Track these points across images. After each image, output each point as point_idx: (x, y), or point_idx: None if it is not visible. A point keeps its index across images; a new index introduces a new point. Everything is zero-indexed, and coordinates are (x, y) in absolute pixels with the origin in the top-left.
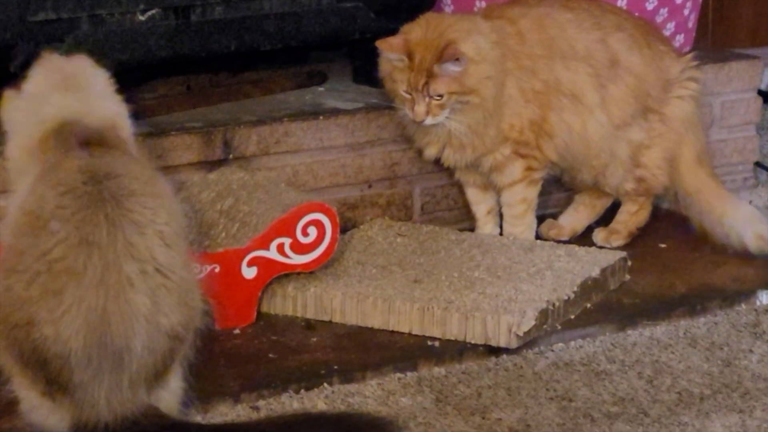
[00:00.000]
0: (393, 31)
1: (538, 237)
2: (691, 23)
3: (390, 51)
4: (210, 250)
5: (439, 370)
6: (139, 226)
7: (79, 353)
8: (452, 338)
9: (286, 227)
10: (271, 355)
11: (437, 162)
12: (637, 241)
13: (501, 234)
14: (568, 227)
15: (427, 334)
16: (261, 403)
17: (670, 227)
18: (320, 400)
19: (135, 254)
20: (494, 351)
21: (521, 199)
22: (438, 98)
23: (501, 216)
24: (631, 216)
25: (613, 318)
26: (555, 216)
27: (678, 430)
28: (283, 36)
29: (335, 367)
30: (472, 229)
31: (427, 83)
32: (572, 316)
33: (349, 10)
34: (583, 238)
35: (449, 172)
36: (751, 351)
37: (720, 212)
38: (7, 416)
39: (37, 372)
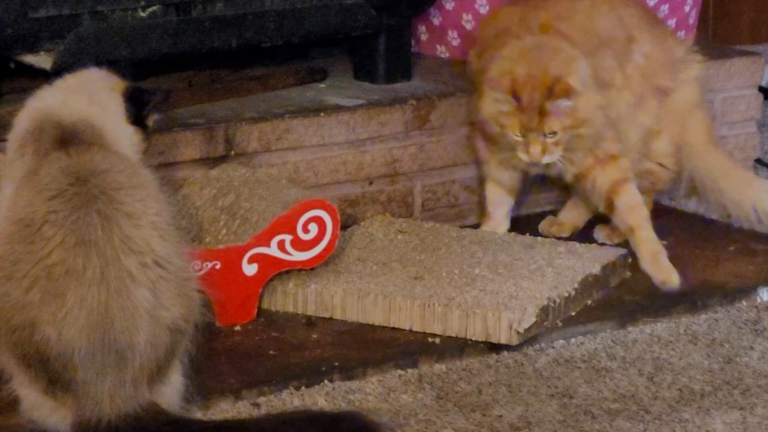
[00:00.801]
0: (393, 28)
1: (538, 234)
2: (692, 19)
3: (497, 91)
4: (211, 247)
5: (439, 367)
6: (133, 218)
7: (82, 352)
8: (453, 335)
9: (287, 224)
10: (271, 352)
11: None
12: None
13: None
14: (568, 223)
15: (427, 331)
16: (261, 399)
17: (670, 224)
18: (321, 397)
19: (133, 247)
20: (495, 348)
21: (638, 196)
22: (552, 135)
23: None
24: None
25: (614, 315)
26: (544, 214)
27: (679, 427)
28: (284, 32)
29: (336, 363)
30: (473, 226)
31: (540, 122)
32: (573, 313)
33: (350, 6)
34: (584, 235)
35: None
36: (751, 348)
37: (749, 194)
38: (8, 413)
39: (39, 371)
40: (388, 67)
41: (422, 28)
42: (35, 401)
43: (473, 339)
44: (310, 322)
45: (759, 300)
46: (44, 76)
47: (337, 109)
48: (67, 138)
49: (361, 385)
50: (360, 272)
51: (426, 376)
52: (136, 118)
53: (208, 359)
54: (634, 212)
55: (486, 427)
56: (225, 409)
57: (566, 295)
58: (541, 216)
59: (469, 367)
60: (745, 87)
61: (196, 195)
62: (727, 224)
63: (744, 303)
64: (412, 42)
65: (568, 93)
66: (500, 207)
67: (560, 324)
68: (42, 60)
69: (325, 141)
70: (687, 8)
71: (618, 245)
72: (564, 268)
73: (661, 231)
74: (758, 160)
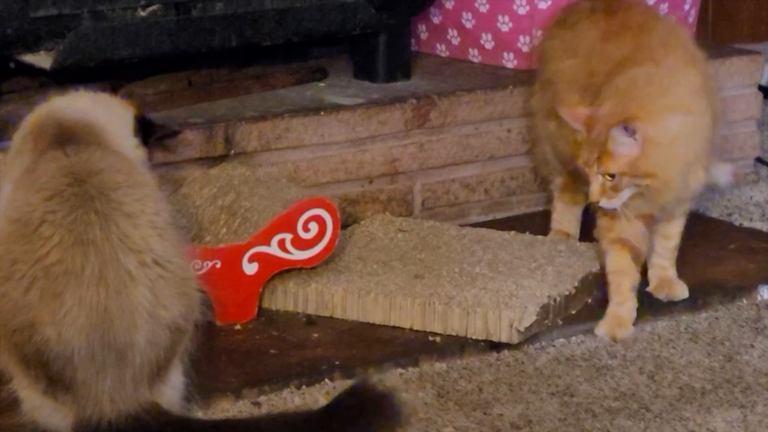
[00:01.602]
0: (393, 27)
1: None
2: (691, 18)
3: (572, 122)
4: (211, 246)
5: (440, 366)
6: (132, 217)
7: (82, 352)
8: (453, 334)
9: (287, 223)
10: (272, 351)
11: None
12: None
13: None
14: None
15: (428, 330)
16: (262, 398)
17: None
18: (321, 395)
19: (132, 246)
20: (495, 346)
21: (679, 232)
22: (610, 178)
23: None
24: None
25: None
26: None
27: (679, 425)
28: (283, 31)
29: (336, 362)
30: (472, 225)
31: (598, 160)
32: (573, 312)
33: (350, 5)
34: (584, 235)
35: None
36: (752, 346)
37: None
38: (9, 414)
39: (39, 372)
40: (388, 66)
41: (422, 27)
42: (36, 402)
43: (474, 337)
44: (311, 321)
45: (759, 298)
46: (44, 76)
47: (337, 108)
48: (65, 136)
49: None
50: (360, 271)
51: (427, 375)
52: (142, 140)
53: (209, 358)
54: (671, 240)
55: (487, 426)
56: (226, 408)
57: (567, 293)
58: (542, 215)
59: (470, 365)
60: (745, 86)
61: (196, 194)
62: (728, 222)
63: (744, 301)
64: (412, 41)
65: (630, 133)
66: (626, 276)
67: (561, 322)
68: (42, 59)
69: (325, 140)
70: (686, 7)
71: None
72: (564, 266)
73: None
74: (758, 159)
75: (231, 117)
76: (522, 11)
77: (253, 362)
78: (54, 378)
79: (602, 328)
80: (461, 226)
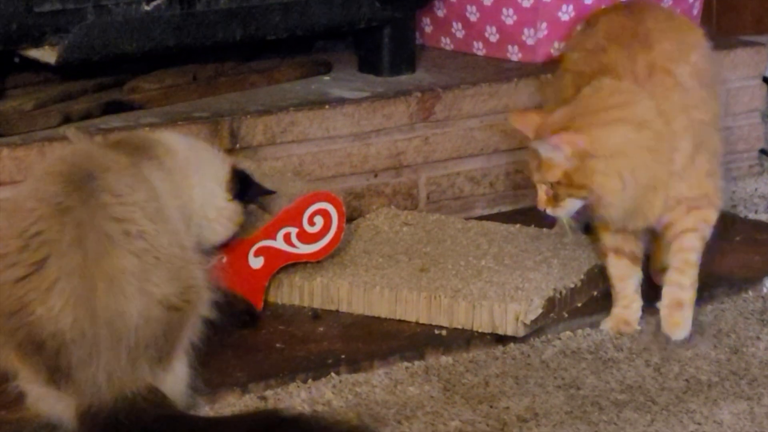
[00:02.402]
0: (398, 21)
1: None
2: (696, 10)
3: (521, 128)
4: None
5: (446, 359)
6: (115, 195)
7: (72, 327)
8: (459, 327)
9: (292, 217)
10: (278, 345)
11: None
12: None
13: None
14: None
15: (434, 323)
16: (268, 393)
17: None
18: (327, 389)
19: (112, 214)
20: (501, 339)
21: (693, 246)
22: (552, 187)
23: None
24: None
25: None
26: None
27: (686, 418)
28: (288, 25)
29: (342, 356)
30: (477, 218)
31: (538, 167)
32: (579, 304)
33: None
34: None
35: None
36: (758, 338)
37: None
38: (14, 408)
39: (37, 360)
40: (392, 59)
41: (426, 20)
42: (39, 393)
43: (480, 331)
44: (317, 315)
45: (765, 290)
46: (49, 71)
47: (342, 101)
48: (123, 140)
49: (367, 377)
50: (366, 265)
51: (433, 368)
52: (238, 193)
53: (215, 353)
54: (686, 253)
55: (493, 419)
56: (232, 403)
57: (572, 286)
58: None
59: (476, 358)
60: (749, 77)
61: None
62: (733, 214)
63: (750, 293)
64: (417, 34)
65: (555, 148)
66: (628, 281)
67: (567, 315)
68: (46, 54)
69: (330, 134)
70: None
71: None
72: (570, 259)
73: None
74: (762, 151)
75: (236, 111)
76: (526, 4)
77: (260, 356)
78: (52, 364)
79: (608, 324)
80: (466, 219)
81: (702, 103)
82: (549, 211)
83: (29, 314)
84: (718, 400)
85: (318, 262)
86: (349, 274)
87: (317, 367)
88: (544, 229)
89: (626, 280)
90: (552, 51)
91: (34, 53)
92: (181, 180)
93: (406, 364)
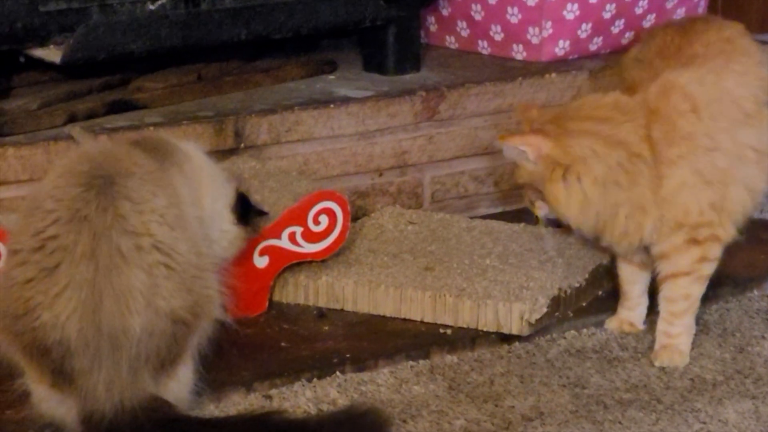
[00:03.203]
0: (402, 20)
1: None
2: (701, 9)
3: (517, 116)
4: None
5: (451, 358)
6: (134, 202)
7: (77, 337)
8: (464, 326)
9: (297, 216)
10: (283, 344)
11: None
12: None
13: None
14: None
15: (439, 322)
16: (273, 392)
17: None
18: (333, 388)
19: (128, 228)
20: (506, 338)
21: (685, 294)
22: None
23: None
24: None
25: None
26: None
27: (691, 417)
28: (293, 24)
29: (347, 355)
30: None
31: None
32: (584, 304)
33: None
34: None
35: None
36: (763, 337)
37: None
38: (19, 407)
39: (42, 363)
40: (397, 58)
41: (431, 19)
42: (44, 394)
43: (485, 330)
44: (322, 313)
45: None
46: (54, 70)
47: (347, 100)
48: (144, 139)
49: (372, 376)
50: (371, 263)
51: (438, 367)
52: (241, 218)
53: (220, 352)
54: (672, 304)
55: (498, 418)
56: (237, 402)
57: (577, 285)
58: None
59: (481, 357)
60: None
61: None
62: None
63: (755, 292)
64: (421, 33)
65: (517, 147)
66: (635, 285)
67: (571, 314)
68: (51, 53)
69: (334, 133)
70: None
71: None
72: (574, 258)
73: None
74: None
75: (241, 110)
76: (531, 3)
77: (265, 355)
78: (56, 369)
79: (612, 324)
80: (471, 218)
81: (723, 133)
82: (530, 208)
83: (35, 318)
84: (723, 399)
85: (323, 261)
86: (354, 273)
87: (322, 366)
88: (549, 229)
89: (633, 284)
90: (556, 50)
91: (39, 52)
92: (197, 190)
93: (411, 363)
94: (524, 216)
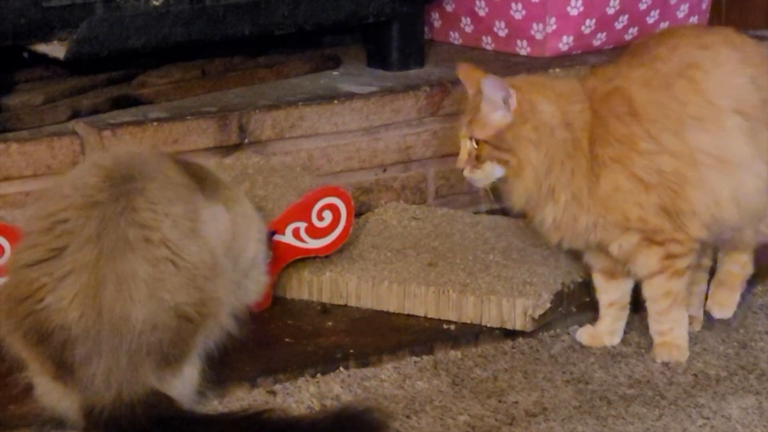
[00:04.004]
0: (406, 15)
1: None
2: (704, 5)
3: (464, 80)
4: None
5: (455, 354)
6: (149, 201)
7: (77, 323)
8: (468, 321)
9: (301, 211)
10: (287, 340)
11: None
12: None
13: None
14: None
15: (442, 318)
16: (277, 387)
17: None
18: (336, 384)
19: (137, 219)
20: (510, 334)
21: (664, 293)
22: (477, 147)
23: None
24: (742, 268)
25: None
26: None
27: (694, 412)
28: (297, 20)
29: (351, 351)
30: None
31: (470, 122)
32: (588, 299)
33: None
34: None
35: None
36: (766, 333)
37: None
38: (22, 402)
39: (43, 351)
40: (401, 54)
41: (435, 15)
42: (47, 387)
43: (488, 325)
44: (325, 309)
45: None
46: (58, 66)
47: (351, 96)
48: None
49: (376, 372)
50: (374, 259)
51: (441, 363)
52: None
53: (224, 347)
54: (654, 304)
55: (502, 413)
56: (241, 397)
57: (580, 280)
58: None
59: (485, 353)
60: None
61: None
62: None
63: (759, 288)
64: (425, 29)
65: (503, 94)
66: (602, 294)
67: (575, 310)
68: (55, 49)
69: (338, 128)
70: None
71: None
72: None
73: None
74: None
75: (245, 106)
76: None
77: (268, 351)
78: (57, 357)
79: (583, 336)
80: (475, 213)
81: (669, 135)
82: (467, 172)
83: (38, 301)
84: (727, 395)
85: (327, 256)
86: (358, 268)
87: (326, 362)
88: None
89: (601, 293)
90: (560, 46)
91: (43, 48)
92: (245, 234)
93: (414, 358)
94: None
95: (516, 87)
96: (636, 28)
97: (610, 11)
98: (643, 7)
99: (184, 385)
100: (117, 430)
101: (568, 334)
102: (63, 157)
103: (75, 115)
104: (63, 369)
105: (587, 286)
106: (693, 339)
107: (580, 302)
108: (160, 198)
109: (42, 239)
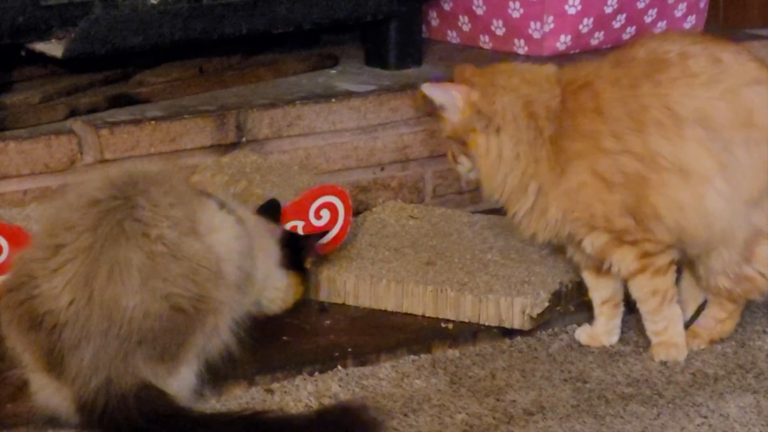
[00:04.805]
0: (404, 14)
1: None
2: (702, 3)
3: (456, 78)
4: None
5: (453, 352)
6: (150, 202)
7: (67, 307)
8: (466, 320)
9: (299, 210)
10: (285, 338)
11: None
12: None
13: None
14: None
15: (440, 316)
16: (275, 385)
17: None
18: (334, 382)
19: (135, 215)
20: (508, 333)
21: (650, 291)
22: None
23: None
24: (717, 323)
25: (626, 299)
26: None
27: (692, 411)
28: (295, 19)
29: (349, 349)
30: (486, 212)
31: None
32: (586, 298)
33: None
34: None
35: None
36: (765, 332)
37: None
38: (19, 400)
39: (34, 338)
40: (399, 53)
41: (433, 14)
42: (41, 383)
43: (486, 324)
44: (323, 308)
45: None
46: (55, 64)
47: (348, 95)
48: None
49: (374, 370)
50: (372, 258)
51: (439, 361)
52: (294, 261)
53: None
54: (643, 304)
55: (500, 412)
56: (238, 395)
57: (578, 280)
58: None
59: (483, 352)
60: None
61: (207, 182)
62: None
63: None
64: (423, 27)
65: (449, 92)
66: (593, 292)
67: (573, 309)
68: (53, 48)
69: (336, 127)
70: None
71: None
72: None
73: None
74: None
75: (242, 104)
76: None
77: (266, 349)
78: (46, 345)
79: (582, 336)
80: (472, 212)
81: (632, 135)
82: (451, 165)
83: (34, 287)
84: (725, 394)
85: (324, 255)
86: (356, 267)
87: (324, 360)
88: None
89: (592, 291)
90: (558, 45)
91: (40, 46)
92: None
93: (412, 357)
94: None
95: (467, 81)
96: (634, 27)
97: (608, 10)
98: (640, 6)
99: (180, 385)
100: (111, 427)
101: (566, 332)
102: (60, 155)
103: (73, 113)
104: (53, 357)
105: (585, 285)
106: None
107: (578, 301)
108: (161, 201)
109: (43, 238)
